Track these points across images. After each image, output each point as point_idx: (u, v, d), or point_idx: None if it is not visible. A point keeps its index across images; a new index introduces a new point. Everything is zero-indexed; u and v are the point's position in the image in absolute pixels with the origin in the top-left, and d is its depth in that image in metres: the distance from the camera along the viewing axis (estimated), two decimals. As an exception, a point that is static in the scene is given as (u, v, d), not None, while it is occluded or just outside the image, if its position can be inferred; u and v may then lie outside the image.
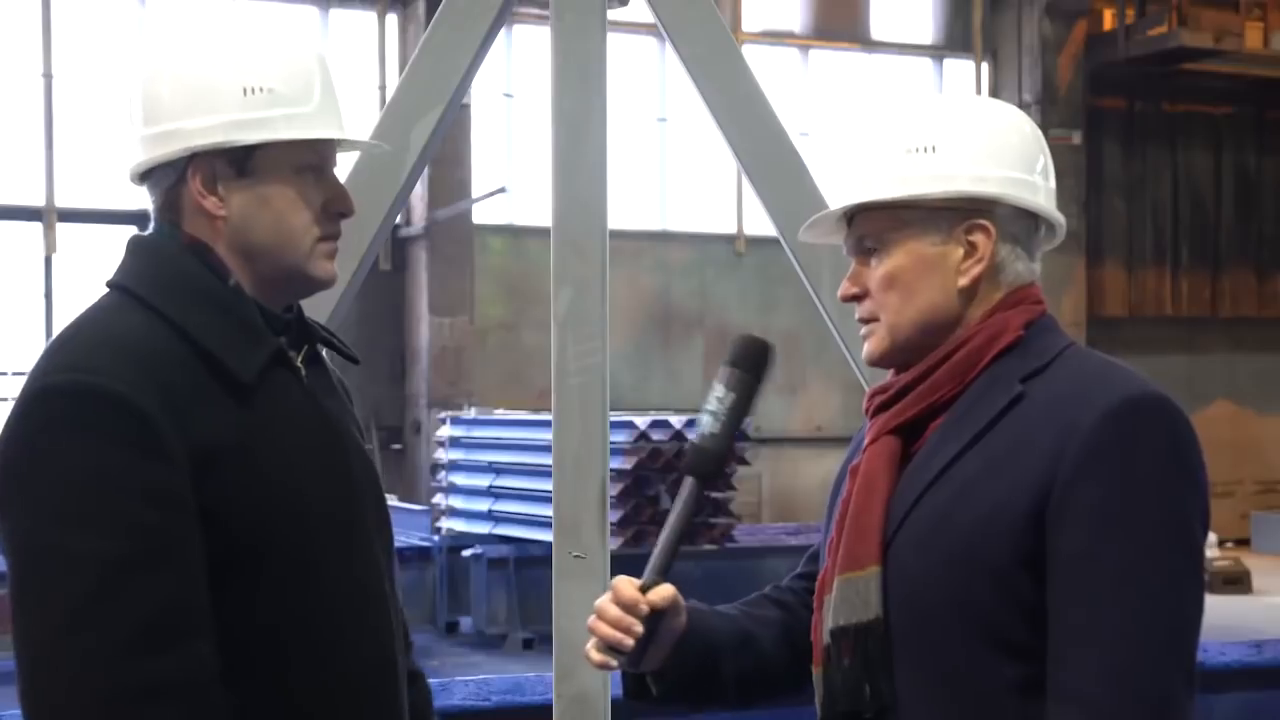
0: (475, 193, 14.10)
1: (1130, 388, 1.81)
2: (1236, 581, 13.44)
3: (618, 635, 1.91)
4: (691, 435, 10.39)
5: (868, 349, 1.96)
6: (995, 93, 16.64)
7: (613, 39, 3.06)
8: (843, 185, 1.97)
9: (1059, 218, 1.97)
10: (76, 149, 13.59)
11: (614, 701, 2.96)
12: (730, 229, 16.12)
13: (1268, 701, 4.85)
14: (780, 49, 16.41)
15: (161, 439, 1.83)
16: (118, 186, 13.67)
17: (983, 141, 1.92)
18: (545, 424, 10.20)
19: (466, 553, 10.44)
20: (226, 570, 1.88)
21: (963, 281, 1.90)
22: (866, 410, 1.97)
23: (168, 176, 1.99)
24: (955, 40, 17.31)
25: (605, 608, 1.91)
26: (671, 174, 15.96)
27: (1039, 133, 1.99)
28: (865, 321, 1.95)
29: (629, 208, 15.19)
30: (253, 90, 1.96)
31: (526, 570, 10.20)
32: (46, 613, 1.81)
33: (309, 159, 2.00)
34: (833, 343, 3.10)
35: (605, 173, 2.98)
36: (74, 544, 1.80)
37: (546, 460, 2.98)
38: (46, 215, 13.40)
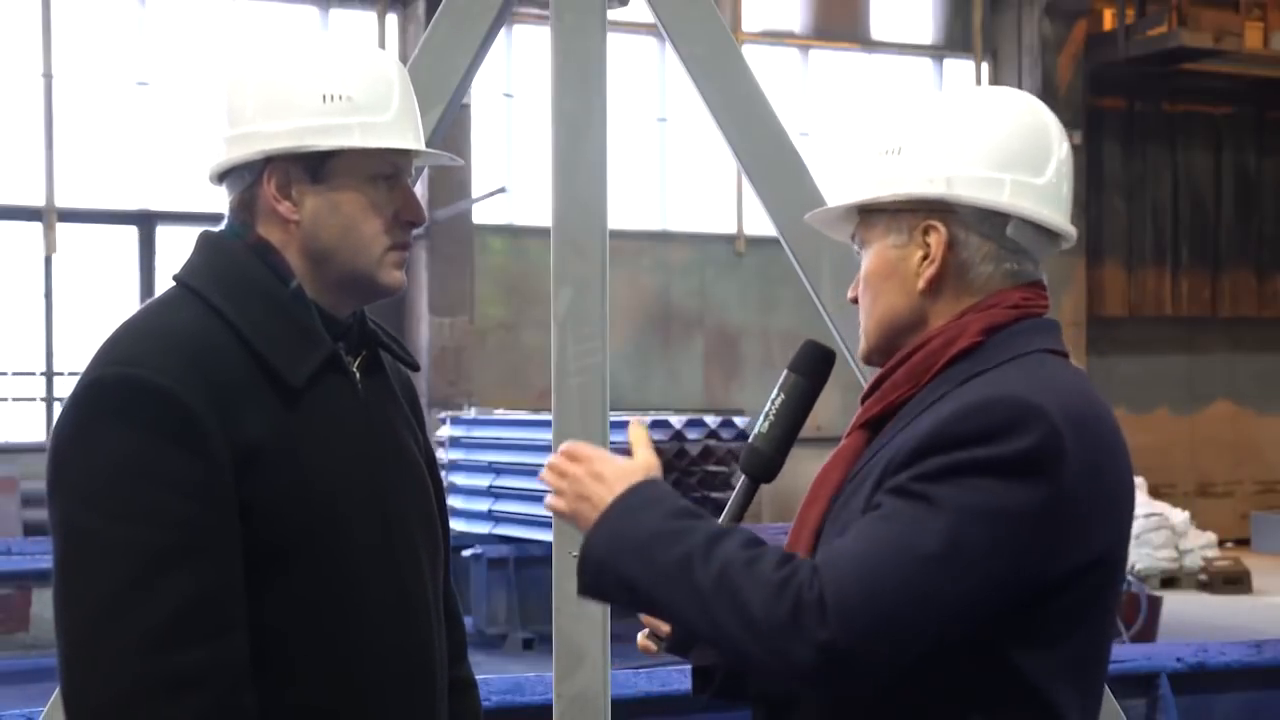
0: (475, 193, 14.10)
1: (1007, 390, 1.78)
2: (1236, 581, 13.44)
3: (656, 621, 2.00)
4: (693, 435, 10.42)
5: (857, 351, 2.03)
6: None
7: (613, 39, 3.06)
8: (834, 185, 2.02)
9: (1045, 219, 1.91)
10: (76, 149, 13.59)
11: (614, 701, 2.96)
12: (730, 229, 16.11)
13: (1268, 701, 4.86)
14: (780, 49, 16.41)
15: (205, 434, 1.87)
16: (118, 186, 13.69)
17: (946, 141, 1.90)
18: (545, 424, 10.20)
19: (466, 553, 10.44)
20: (262, 567, 1.91)
21: (919, 284, 1.92)
22: (860, 400, 2.02)
23: (244, 178, 2.03)
24: (955, 40, 17.31)
25: None
26: (671, 174, 15.95)
27: (1046, 127, 1.94)
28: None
29: (629, 208, 15.19)
30: (331, 97, 1.99)
31: (526, 570, 10.21)
32: (85, 600, 1.84)
33: (383, 168, 2.04)
34: (833, 343, 3.09)
35: (605, 173, 2.98)
36: (114, 533, 1.83)
37: (546, 460, 2.98)
38: (46, 215, 13.39)
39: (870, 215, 1.96)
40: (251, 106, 2.00)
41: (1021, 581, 1.75)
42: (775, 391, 2.01)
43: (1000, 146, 1.90)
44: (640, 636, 2.06)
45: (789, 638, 1.69)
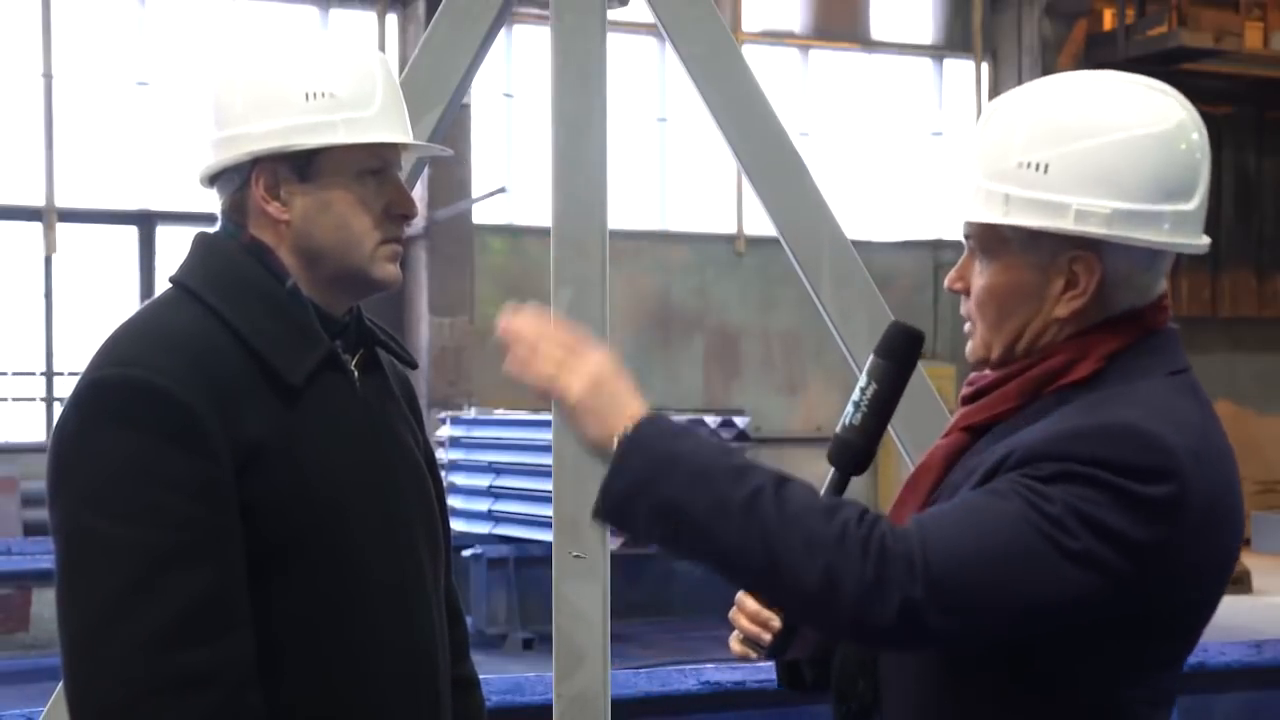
0: (475, 193, 14.10)
1: (1137, 421, 1.69)
2: (1236, 581, 13.44)
3: (754, 629, 1.90)
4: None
5: (967, 350, 1.90)
6: (995, 94, 16.62)
7: (613, 39, 3.06)
8: (960, 176, 1.84)
9: (1192, 246, 1.80)
10: (76, 149, 13.59)
11: (614, 701, 2.96)
12: (730, 229, 16.12)
13: (1268, 701, 4.86)
14: (780, 49, 16.41)
15: (206, 434, 1.87)
16: (118, 186, 13.69)
17: (1101, 166, 1.75)
18: (545, 424, 10.21)
19: (466, 553, 10.44)
20: (265, 566, 1.91)
21: (1061, 312, 1.80)
22: (960, 398, 1.93)
23: (233, 180, 2.03)
24: (955, 40, 17.31)
25: (744, 599, 1.90)
26: (671, 174, 15.96)
27: (1197, 142, 1.81)
28: (967, 318, 1.89)
29: (629, 208, 15.19)
30: (314, 95, 1.99)
31: (526, 570, 10.20)
32: (89, 601, 1.84)
33: (370, 162, 2.03)
34: (833, 343, 3.09)
35: (605, 173, 2.98)
36: (116, 534, 1.83)
37: (546, 460, 2.98)
38: (46, 215, 13.39)
39: (1001, 227, 1.80)
40: (235, 109, 2.00)
41: (1114, 608, 1.69)
42: (863, 379, 1.88)
43: (1159, 176, 1.76)
44: (734, 642, 1.93)
45: (872, 591, 1.61)
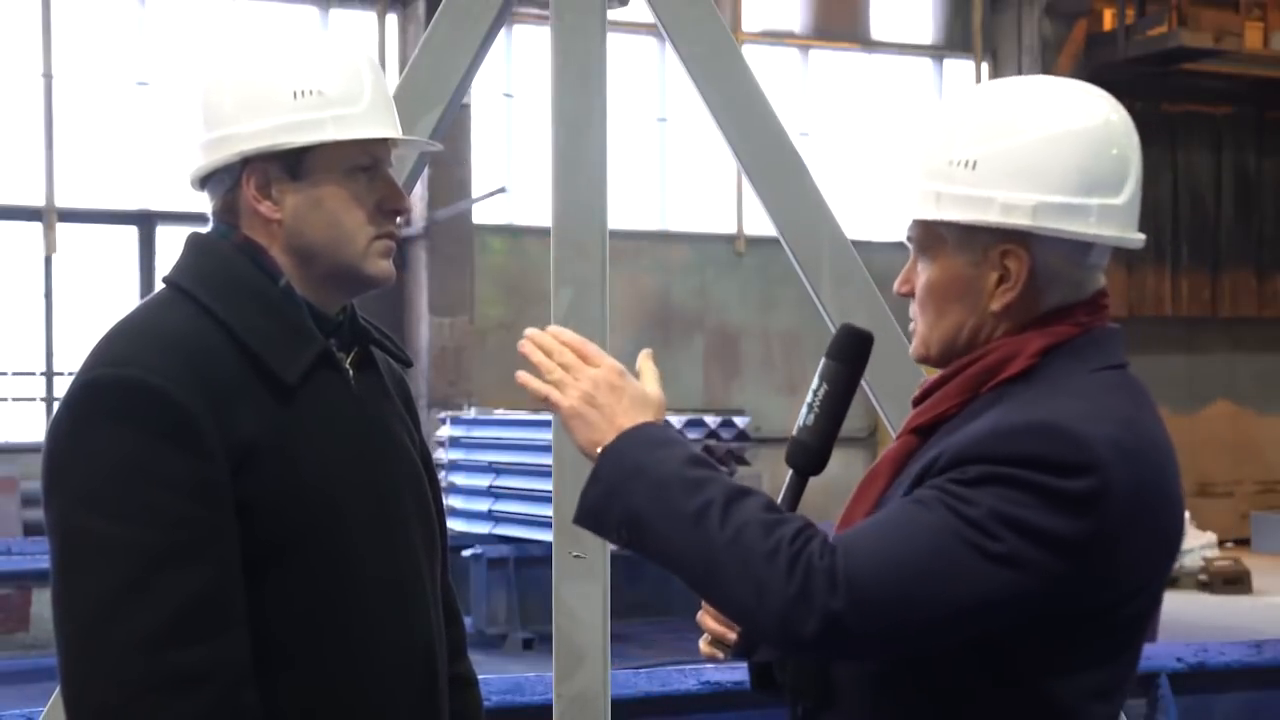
0: (475, 193, 14.10)
1: (1061, 419, 1.73)
2: (1236, 581, 13.44)
3: (719, 629, 1.99)
4: (693, 435, 10.42)
5: (911, 349, 1.96)
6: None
7: (613, 39, 3.06)
8: (902, 178, 1.89)
9: (1124, 240, 1.84)
10: (76, 149, 13.59)
11: (614, 701, 2.96)
12: (730, 229, 16.12)
13: (1268, 701, 4.86)
14: (780, 49, 16.41)
15: (201, 433, 1.87)
16: (118, 186, 13.69)
17: (1026, 161, 1.80)
18: (545, 424, 10.21)
19: (466, 553, 10.44)
20: (260, 565, 1.91)
21: (995, 307, 1.84)
22: (911, 401, 1.97)
23: (224, 181, 2.03)
24: (955, 40, 17.31)
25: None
26: (671, 174, 15.95)
27: (1126, 137, 1.85)
28: (912, 319, 1.94)
29: (629, 208, 15.19)
30: (302, 93, 1.99)
31: (526, 570, 10.20)
32: (84, 601, 1.84)
33: (361, 159, 2.03)
34: (833, 342, 3.09)
35: (605, 173, 2.98)
36: (111, 534, 1.83)
37: (546, 460, 2.98)
38: (46, 215, 13.39)
39: (934, 225, 1.86)
40: (224, 109, 2.00)
41: (1047, 604, 1.72)
42: (816, 381, 1.94)
43: (1084, 169, 1.80)
44: (703, 644, 2.02)
45: (795, 605, 1.68)
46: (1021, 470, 1.69)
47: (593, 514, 1.82)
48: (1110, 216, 1.82)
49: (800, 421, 1.94)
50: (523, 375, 1.91)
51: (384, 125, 2.04)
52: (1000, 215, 1.80)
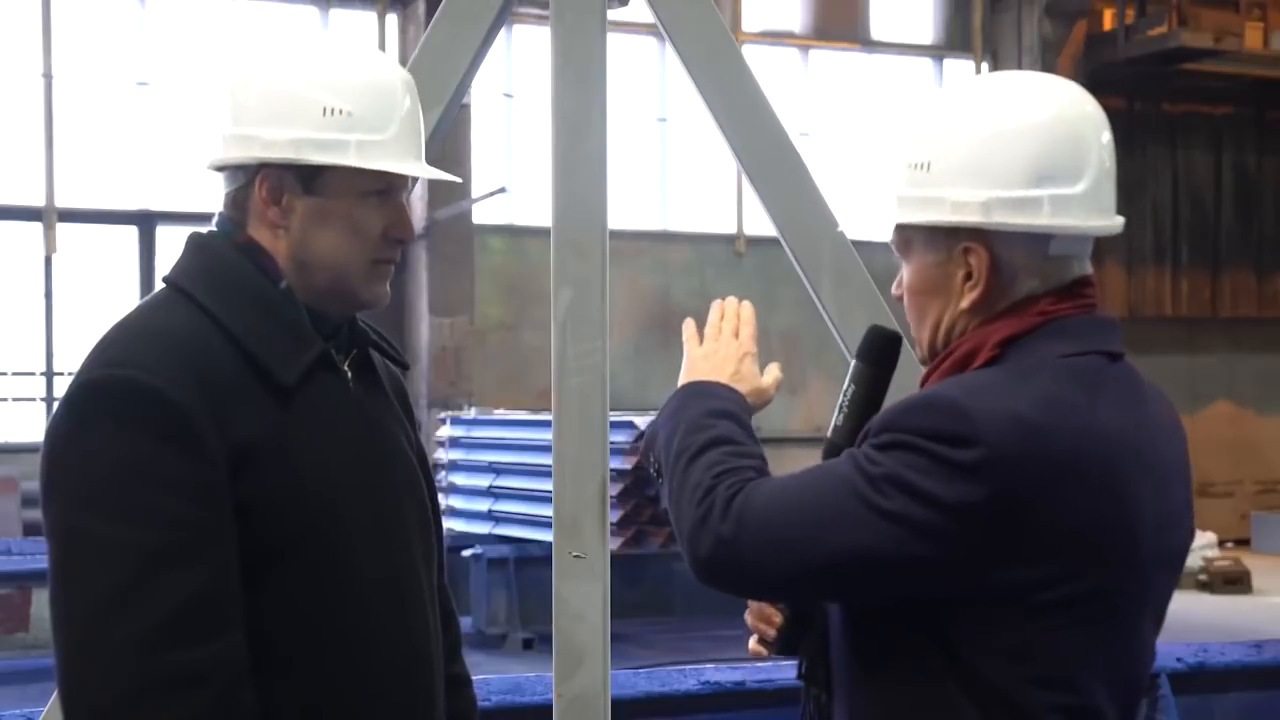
0: (475, 193, 14.10)
1: (926, 393, 1.83)
2: (1236, 581, 13.44)
3: (761, 626, 2.07)
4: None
5: (917, 351, 2.03)
6: (995, 93, 16.59)
7: (613, 39, 3.06)
8: (878, 187, 1.97)
9: (1091, 228, 1.87)
10: (76, 149, 13.59)
11: (614, 701, 2.96)
12: (730, 229, 16.12)
13: (1268, 701, 4.86)
14: (780, 49, 16.41)
15: (199, 434, 1.87)
16: (118, 186, 13.68)
17: (977, 159, 1.84)
18: (545, 424, 10.19)
19: (466, 553, 10.44)
20: (259, 566, 1.92)
21: (964, 303, 1.89)
22: None
23: (238, 178, 2.03)
24: (955, 40, 17.31)
25: (752, 601, 2.06)
26: (671, 174, 15.96)
27: (1080, 126, 1.88)
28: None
29: (629, 208, 15.19)
30: (331, 111, 1.98)
31: (526, 570, 10.20)
32: (82, 601, 1.84)
33: (375, 185, 2.03)
34: (833, 343, 3.09)
35: (605, 173, 2.98)
36: (108, 534, 1.83)
37: (546, 460, 2.98)
38: (46, 215, 13.39)
39: (904, 228, 1.92)
40: (251, 110, 2.00)
41: (951, 574, 1.77)
42: (845, 383, 2.00)
43: (1034, 161, 1.83)
44: (752, 642, 2.09)
45: (696, 529, 1.86)
46: (916, 439, 1.77)
47: (649, 440, 2.07)
48: (1065, 206, 1.85)
49: (833, 423, 1.99)
50: (688, 320, 2.22)
51: (406, 158, 2.04)
52: (952, 214, 1.85)
